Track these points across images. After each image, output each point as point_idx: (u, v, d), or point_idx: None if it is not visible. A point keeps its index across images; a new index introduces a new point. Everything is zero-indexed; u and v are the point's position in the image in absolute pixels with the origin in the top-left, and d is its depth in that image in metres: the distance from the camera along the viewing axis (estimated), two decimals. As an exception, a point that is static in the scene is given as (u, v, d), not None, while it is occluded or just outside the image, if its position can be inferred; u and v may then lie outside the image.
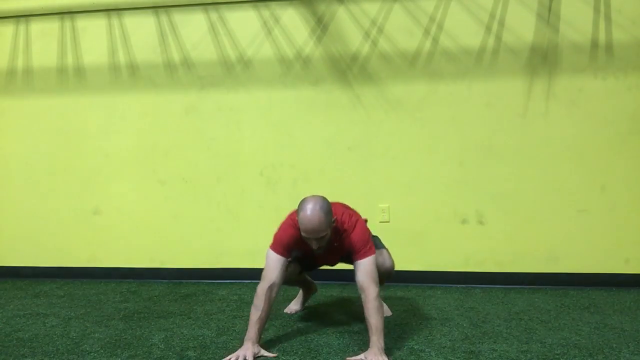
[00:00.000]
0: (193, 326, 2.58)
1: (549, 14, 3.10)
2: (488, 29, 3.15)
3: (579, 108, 3.10)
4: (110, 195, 3.55)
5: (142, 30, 3.46)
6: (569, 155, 3.12)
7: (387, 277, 2.51)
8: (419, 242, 3.27)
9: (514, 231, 3.19)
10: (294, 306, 2.83)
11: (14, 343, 2.40)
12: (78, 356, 2.23)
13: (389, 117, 3.26)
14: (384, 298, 2.59)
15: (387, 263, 2.47)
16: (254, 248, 3.31)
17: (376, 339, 2.10)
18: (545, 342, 2.28)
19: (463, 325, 2.51)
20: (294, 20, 3.31)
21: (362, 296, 2.16)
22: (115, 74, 3.50)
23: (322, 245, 2.22)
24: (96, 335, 2.48)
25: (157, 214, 3.51)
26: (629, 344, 2.24)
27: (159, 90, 3.47)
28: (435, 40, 3.19)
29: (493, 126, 3.17)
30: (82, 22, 3.52)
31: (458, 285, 3.23)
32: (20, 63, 3.59)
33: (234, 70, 3.39)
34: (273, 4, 3.32)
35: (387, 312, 2.69)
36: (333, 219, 2.22)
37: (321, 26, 3.29)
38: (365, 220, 2.48)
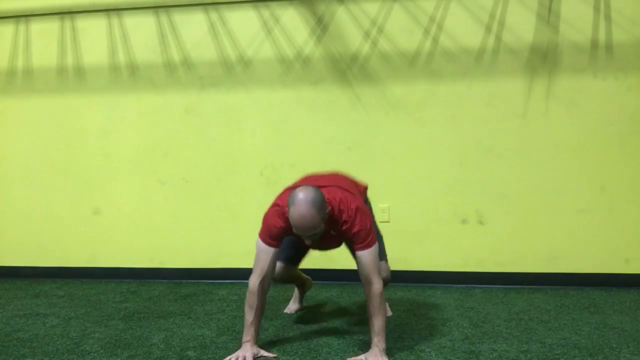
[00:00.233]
0: (193, 326, 2.58)
1: (549, 14, 3.10)
2: (488, 29, 3.15)
3: (579, 108, 3.10)
4: (110, 195, 3.55)
5: (142, 30, 3.46)
6: (569, 155, 3.12)
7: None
8: (419, 242, 3.27)
9: (514, 231, 3.19)
10: (292, 306, 2.83)
11: (14, 343, 2.41)
12: (78, 356, 2.23)
13: (389, 117, 3.26)
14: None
15: (382, 275, 2.43)
16: (254, 248, 3.29)
17: (377, 340, 2.08)
18: (545, 342, 2.28)
19: (463, 325, 2.51)
20: (294, 20, 3.31)
21: (366, 289, 2.11)
22: (115, 74, 3.50)
23: (316, 239, 2.12)
24: (96, 335, 2.48)
25: (157, 214, 3.51)
26: (629, 344, 2.24)
27: (159, 90, 3.47)
28: (435, 40, 3.19)
29: (493, 126, 3.17)
30: (82, 22, 3.52)
31: (458, 285, 3.23)
32: (20, 63, 3.59)
33: (234, 70, 3.39)
34: (273, 4, 3.32)
35: (388, 312, 2.67)
36: (328, 210, 2.08)
37: (321, 26, 3.29)
38: (366, 188, 2.46)
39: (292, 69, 3.33)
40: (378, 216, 3.25)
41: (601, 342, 2.28)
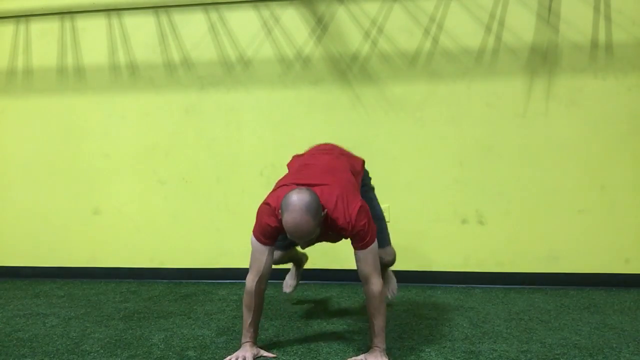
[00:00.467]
0: (193, 326, 2.58)
1: (549, 14, 3.10)
2: (488, 29, 3.15)
3: (579, 108, 3.10)
4: (110, 195, 3.55)
5: (142, 30, 3.46)
6: (569, 155, 3.12)
7: (386, 267, 2.50)
8: (419, 242, 3.27)
9: (514, 231, 3.19)
10: (291, 281, 2.78)
11: (14, 343, 2.41)
12: (78, 356, 2.23)
13: (389, 117, 3.26)
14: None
15: (386, 259, 2.46)
16: (254, 248, 3.31)
17: (377, 340, 2.08)
18: (545, 342, 2.28)
19: (463, 325, 2.51)
20: (294, 20, 3.31)
21: (365, 289, 2.09)
22: (115, 74, 3.50)
23: (311, 243, 2.10)
24: (96, 335, 2.48)
25: (157, 214, 3.51)
26: (629, 344, 2.24)
27: (159, 90, 3.47)
28: (435, 40, 3.19)
29: (493, 126, 3.17)
30: (82, 22, 3.52)
31: (458, 285, 3.23)
32: (20, 63, 3.59)
33: (234, 70, 3.39)
34: (273, 4, 3.32)
35: (394, 289, 2.70)
36: (323, 213, 2.02)
37: (321, 26, 3.29)
38: (363, 162, 2.45)
39: (292, 69, 3.33)
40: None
41: (601, 342, 2.28)
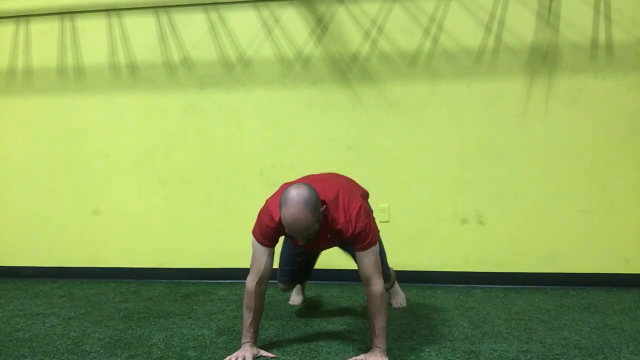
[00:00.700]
0: (193, 326, 2.58)
1: (549, 14, 3.10)
2: (488, 29, 3.15)
3: (579, 108, 3.10)
4: (110, 195, 3.55)
5: (142, 30, 3.46)
6: (569, 155, 3.12)
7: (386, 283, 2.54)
8: (419, 242, 3.27)
9: (514, 231, 3.19)
10: (296, 298, 2.90)
11: (14, 343, 2.41)
12: (78, 356, 2.23)
13: (389, 117, 3.26)
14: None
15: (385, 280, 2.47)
16: (254, 248, 3.31)
17: (378, 341, 2.08)
18: (545, 342, 2.28)
19: (463, 325, 2.51)
20: (294, 20, 3.31)
21: (366, 289, 2.09)
22: (115, 74, 3.50)
23: (310, 239, 2.06)
24: (96, 335, 2.49)
25: (157, 214, 3.51)
26: (629, 344, 2.24)
27: (159, 90, 3.47)
28: (435, 40, 3.19)
29: (493, 126, 3.17)
30: (82, 22, 3.52)
31: (458, 285, 3.23)
32: (20, 63, 3.59)
33: (234, 70, 3.39)
34: (273, 4, 3.32)
35: (403, 302, 2.80)
36: (322, 208, 2.01)
37: (321, 26, 3.29)
38: (367, 194, 2.40)
39: (292, 69, 3.33)
40: (378, 216, 3.25)
41: (601, 342, 2.28)
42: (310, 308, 2.87)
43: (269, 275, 2.17)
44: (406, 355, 2.16)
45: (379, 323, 2.08)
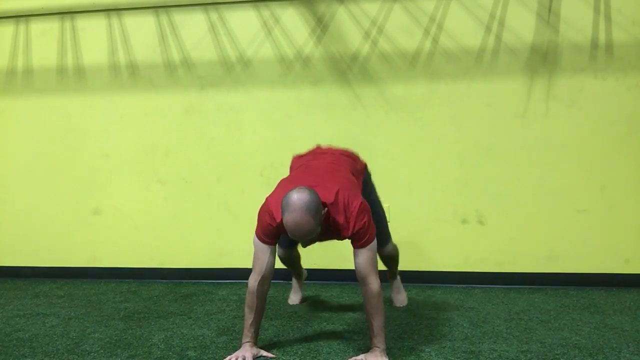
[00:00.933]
0: (193, 326, 2.58)
1: (549, 14, 3.10)
2: (488, 29, 3.15)
3: (579, 108, 3.10)
4: (110, 195, 3.55)
5: (142, 30, 3.46)
6: (569, 155, 3.12)
7: (390, 260, 2.65)
8: (419, 242, 3.27)
9: (514, 231, 3.19)
10: (295, 297, 2.93)
11: (14, 343, 2.41)
12: (78, 356, 2.23)
13: (389, 117, 3.26)
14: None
15: (388, 252, 2.55)
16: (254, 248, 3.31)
17: (377, 340, 2.08)
18: (545, 342, 2.28)
19: (463, 325, 2.51)
20: (294, 20, 3.31)
21: (363, 289, 2.09)
22: (115, 74, 3.50)
23: (312, 241, 2.10)
24: (96, 335, 2.49)
25: (157, 214, 3.51)
26: (629, 344, 2.24)
27: (159, 90, 3.47)
28: (435, 40, 3.19)
29: (493, 126, 3.17)
30: (82, 22, 3.52)
31: (458, 285, 3.23)
32: (20, 63, 3.59)
33: (234, 70, 3.39)
34: (273, 4, 3.32)
35: (405, 301, 2.83)
36: (323, 212, 2.03)
37: (321, 26, 3.29)
38: (365, 165, 2.50)
39: (292, 69, 3.33)
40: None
41: (601, 342, 2.28)
42: (310, 308, 2.87)
43: (271, 274, 2.18)
44: (406, 355, 2.16)
45: (378, 322, 2.08)
